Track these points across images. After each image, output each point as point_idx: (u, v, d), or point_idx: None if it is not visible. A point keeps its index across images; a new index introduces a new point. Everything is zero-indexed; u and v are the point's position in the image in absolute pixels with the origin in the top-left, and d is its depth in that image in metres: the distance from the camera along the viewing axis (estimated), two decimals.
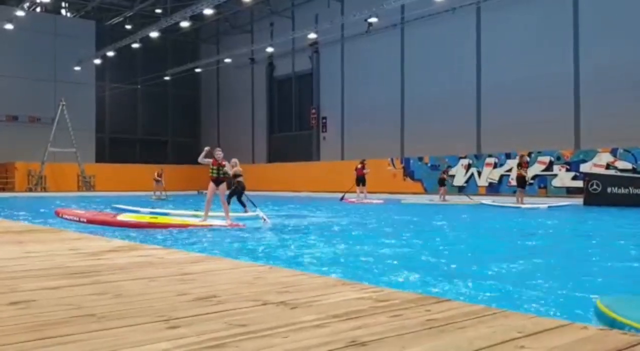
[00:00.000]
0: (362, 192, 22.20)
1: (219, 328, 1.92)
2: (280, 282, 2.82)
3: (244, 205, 13.59)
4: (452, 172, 25.29)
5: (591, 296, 4.01)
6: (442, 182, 21.81)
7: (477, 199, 21.20)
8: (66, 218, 10.96)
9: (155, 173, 26.66)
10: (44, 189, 33.11)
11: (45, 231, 6.15)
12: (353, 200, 21.92)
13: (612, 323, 3.25)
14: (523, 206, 17.16)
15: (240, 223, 10.70)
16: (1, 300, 2.38)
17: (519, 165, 18.58)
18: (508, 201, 19.32)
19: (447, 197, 21.63)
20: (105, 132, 40.84)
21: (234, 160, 13.69)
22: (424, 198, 23.20)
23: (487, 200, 20.50)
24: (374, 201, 21.55)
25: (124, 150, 41.06)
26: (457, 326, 1.93)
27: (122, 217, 11.03)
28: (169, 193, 26.09)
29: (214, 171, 10.78)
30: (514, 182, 21.07)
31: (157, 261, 3.61)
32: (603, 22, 21.81)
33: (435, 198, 22.08)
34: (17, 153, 33.87)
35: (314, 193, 30.21)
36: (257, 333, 1.84)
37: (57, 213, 11.56)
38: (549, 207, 17.01)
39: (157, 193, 24.07)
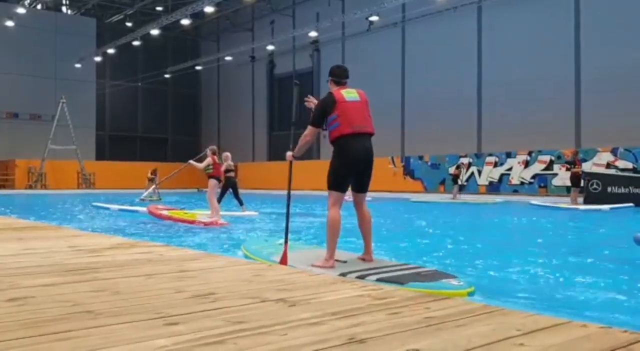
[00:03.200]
0: None
1: (216, 325, 1.91)
2: (278, 280, 2.82)
3: (241, 203, 13.31)
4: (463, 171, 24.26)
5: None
6: (456, 180, 21.48)
7: (525, 199, 20.22)
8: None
9: (149, 172, 25.00)
10: (44, 186, 33.12)
11: (45, 228, 6.15)
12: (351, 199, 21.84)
13: (247, 257, 5.27)
14: (581, 207, 15.74)
15: (224, 222, 10.34)
16: (0, 297, 2.38)
17: (572, 163, 17.34)
18: (552, 201, 17.99)
19: (458, 196, 21.30)
20: (106, 130, 40.84)
21: (226, 153, 13.11)
22: (435, 197, 22.82)
23: (536, 200, 19.20)
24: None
25: (124, 148, 41.08)
26: (455, 324, 1.93)
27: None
28: (161, 191, 23.62)
29: (209, 168, 10.88)
30: (566, 182, 19.87)
31: (156, 258, 3.60)
32: (604, 21, 21.79)
33: (445, 197, 21.81)
34: (18, 150, 33.88)
35: (314, 191, 30.20)
36: (255, 331, 1.84)
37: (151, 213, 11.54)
38: (611, 208, 15.30)
39: (149, 192, 21.90)
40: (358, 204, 4.94)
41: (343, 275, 4.19)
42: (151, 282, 2.75)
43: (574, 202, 16.63)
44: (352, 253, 5.29)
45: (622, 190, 17.33)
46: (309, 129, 4.96)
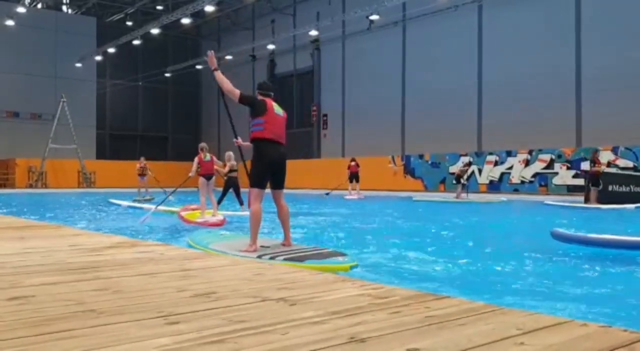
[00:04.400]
0: (354, 189, 22.38)
1: (218, 324, 1.92)
2: (279, 279, 2.83)
3: (241, 203, 13.28)
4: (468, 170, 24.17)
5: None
6: (458, 180, 21.45)
7: (539, 199, 19.98)
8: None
9: (139, 166, 20.58)
10: (45, 185, 33.13)
11: (45, 227, 6.16)
12: (354, 197, 21.93)
13: (191, 246, 5.97)
14: (603, 207, 15.16)
15: (216, 221, 10.14)
16: (1, 296, 2.39)
17: (592, 161, 17.04)
18: (563, 200, 17.56)
19: (463, 195, 21.25)
20: (106, 129, 40.84)
21: (228, 153, 13.09)
22: (438, 196, 22.76)
23: (551, 200, 18.84)
24: (354, 197, 21.71)
25: (125, 147, 41.05)
26: (456, 323, 1.93)
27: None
28: (160, 191, 19.19)
29: (199, 168, 11.01)
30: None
31: (157, 257, 3.61)
32: (605, 20, 21.77)
33: (446, 196, 21.79)
34: (18, 149, 33.89)
35: (315, 190, 30.21)
36: (256, 329, 1.84)
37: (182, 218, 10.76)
38: (636, 207, 14.64)
39: (142, 191, 19.66)
40: (276, 199, 5.88)
41: (260, 256, 5.17)
42: (153, 281, 2.75)
43: (594, 201, 16.25)
44: (276, 239, 6.41)
45: (623, 188, 17.32)
46: (235, 92, 5.77)
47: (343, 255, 5.36)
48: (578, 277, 5.19)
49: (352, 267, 4.93)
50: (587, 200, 17.38)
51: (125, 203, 15.60)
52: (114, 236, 5.49)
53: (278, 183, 5.84)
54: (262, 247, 5.70)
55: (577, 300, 4.12)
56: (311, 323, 1.93)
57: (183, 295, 2.40)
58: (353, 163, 22.64)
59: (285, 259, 5.05)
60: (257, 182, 5.71)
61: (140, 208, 13.90)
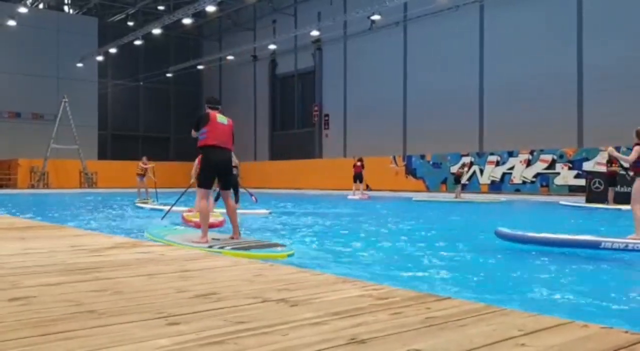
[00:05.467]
0: (357, 189, 22.34)
1: (218, 325, 1.92)
2: (280, 279, 2.82)
3: (236, 201, 13.25)
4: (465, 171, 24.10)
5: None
6: (458, 180, 21.46)
7: (554, 199, 19.89)
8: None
9: (141, 164, 18.83)
10: (47, 186, 33.18)
11: (47, 227, 6.16)
12: (356, 197, 21.92)
13: (149, 239, 6.73)
14: (623, 207, 14.59)
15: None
16: (2, 296, 2.39)
17: (609, 161, 16.65)
18: (576, 201, 17.40)
19: (461, 195, 21.26)
20: (108, 129, 40.89)
21: None
22: (439, 196, 22.77)
23: (565, 200, 18.63)
24: (357, 197, 21.69)
25: (126, 147, 41.10)
26: (457, 324, 1.93)
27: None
28: (152, 191, 18.54)
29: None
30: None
31: (157, 258, 3.61)
32: (607, 20, 21.76)
33: (448, 196, 21.79)
34: (20, 149, 33.94)
35: (316, 190, 30.22)
36: (256, 330, 1.84)
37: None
38: None
39: (142, 191, 18.64)
40: (225, 198, 6.73)
41: (211, 247, 5.91)
42: (153, 282, 2.75)
43: (612, 202, 16.02)
44: (225, 234, 7.19)
45: (625, 189, 17.29)
46: (193, 132, 6.65)
47: (282, 245, 6.22)
48: (526, 270, 5.49)
49: (288, 255, 5.71)
50: (589, 201, 17.37)
51: (148, 206, 15.80)
52: (115, 236, 5.50)
53: (225, 185, 6.71)
54: (213, 239, 6.50)
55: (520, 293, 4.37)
56: (312, 324, 1.93)
57: (184, 296, 2.40)
58: (359, 163, 22.55)
59: (232, 248, 5.83)
60: (203, 183, 6.56)
61: (161, 209, 13.85)
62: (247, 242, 6.37)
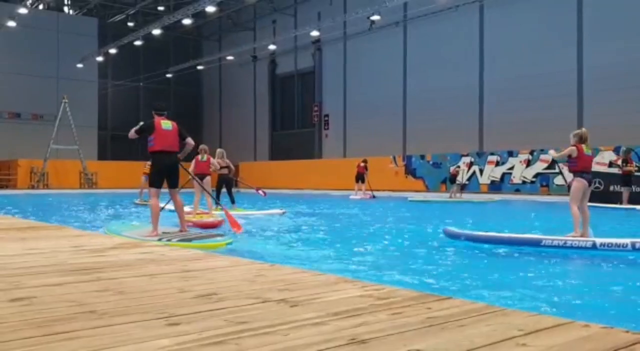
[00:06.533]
0: (360, 189, 22.37)
1: (219, 325, 1.92)
2: (281, 280, 2.83)
3: (232, 202, 13.21)
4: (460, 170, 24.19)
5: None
6: (453, 179, 21.52)
7: (527, 198, 19.77)
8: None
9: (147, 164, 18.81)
10: (46, 186, 33.17)
11: (48, 228, 6.17)
12: (357, 197, 21.94)
13: (106, 233, 7.35)
14: (638, 207, 14.72)
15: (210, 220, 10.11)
16: (4, 297, 2.39)
17: (624, 161, 16.42)
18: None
19: (457, 195, 21.31)
20: (108, 129, 40.87)
21: (219, 150, 13.04)
22: (433, 196, 22.73)
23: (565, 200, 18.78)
24: (358, 197, 21.69)
25: (126, 147, 41.01)
26: (457, 324, 1.93)
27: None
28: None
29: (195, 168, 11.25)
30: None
31: (159, 258, 3.62)
32: (607, 19, 21.76)
33: (444, 196, 21.81)
34: (20, 150, 33.93)
35: (316, 190, 30.22)
36: (257, 331, 1.85)
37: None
38: None
39: (145, 191, 18.16)
40: (172, 196, 7.56)
41: (160, 239, 6.56)
42: (154, 282, 2.76)
43: (626, 202, 15.80)
44: (175, 228, 7.85)
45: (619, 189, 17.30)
46: (132, 134, 7.47)
47: (222, 236, 7.18)
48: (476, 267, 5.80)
49: (227, 244, 6.53)
50: (589, 201, 17.29)
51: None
52: (116, 237, 5.50)
53: (172, 184, 7.43)
54: (163, 233, 7.22)
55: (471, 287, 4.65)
56: (312, 324, 1.93)
57: (185, 296, 2.41)
58: (362, 164, 22.57)
59: (179, 240, 6.54)
60: (153, 183, 7.37)
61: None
62: (191, 234, 7.21)
